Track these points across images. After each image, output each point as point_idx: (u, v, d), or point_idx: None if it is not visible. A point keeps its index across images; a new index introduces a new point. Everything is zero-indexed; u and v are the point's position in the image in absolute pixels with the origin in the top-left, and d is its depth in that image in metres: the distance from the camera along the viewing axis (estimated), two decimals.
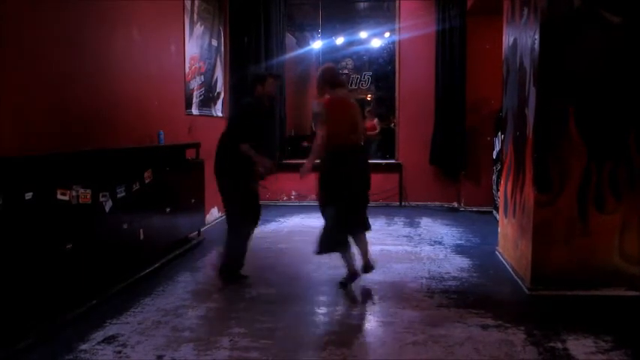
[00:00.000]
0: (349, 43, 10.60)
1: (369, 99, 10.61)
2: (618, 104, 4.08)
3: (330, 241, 4.11)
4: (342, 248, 4.18)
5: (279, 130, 8.22)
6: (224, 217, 6.99)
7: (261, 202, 4.63)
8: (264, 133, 4.52)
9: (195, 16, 6.71)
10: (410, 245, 5.83)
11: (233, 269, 4.47)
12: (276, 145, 4.84)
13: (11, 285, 3.08)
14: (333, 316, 3.83)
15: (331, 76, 4.10)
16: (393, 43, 8.83)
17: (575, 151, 4.10)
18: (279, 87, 8.34)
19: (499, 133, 6.62)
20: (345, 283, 4.31)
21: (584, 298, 4.04)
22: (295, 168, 8.56)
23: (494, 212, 7.21)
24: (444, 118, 8.06)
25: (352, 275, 4.28)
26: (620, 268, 4.13)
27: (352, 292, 4.25)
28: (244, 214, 4.39)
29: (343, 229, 4.14)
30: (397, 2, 8.46)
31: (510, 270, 4.78)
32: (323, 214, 4.22)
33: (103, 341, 3.29)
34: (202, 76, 6.95)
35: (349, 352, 3.16)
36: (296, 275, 4.72)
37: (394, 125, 8.71)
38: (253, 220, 4.51)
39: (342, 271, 4.68)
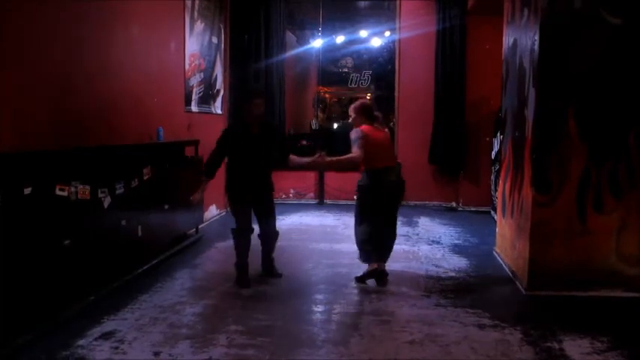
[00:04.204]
0: (349, 42, 10.60)
1: (368, 98, 10.61)
2: (618, 104, 4.08)
3: (366, 252, 4.43)
4: (375, 257, 4.43)
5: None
6: (223, 214, 6.99)
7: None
8: (250, 156, 4.35)
9: (196, 13, 6.70)
10: (408, 244, 5.83)
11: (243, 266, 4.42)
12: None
13: (9, 280, 3.07)
14: (330, 314, 3.83)
15: (369, 112, 4.54)
16: (394, 42, 8.83)
17: (574, 152, 4.11)
18: (279, 85, 8.35)
19: (498, 134, 6.62)
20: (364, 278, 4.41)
21: (581, 299, 4.05)
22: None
23: (492, 212, 7.21)
24: (444, 118, 8.06)
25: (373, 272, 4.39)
26: (617, 269, 4.13)
27: (351, 290, 4.27)
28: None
29: (374, 240, 4.43)
30: (398, 1, 8.45)
31: (507, 270, 4.78)
32: (359, 225, 4.47)
33: (100, 337, 3.30)
34: (202, 74, 6.94)
35: (346, 351, 3.17)
36: (293, 273, 4.72)
37: (393, 124, 8.71)
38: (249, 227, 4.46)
39: (340, 270, 4.70)
